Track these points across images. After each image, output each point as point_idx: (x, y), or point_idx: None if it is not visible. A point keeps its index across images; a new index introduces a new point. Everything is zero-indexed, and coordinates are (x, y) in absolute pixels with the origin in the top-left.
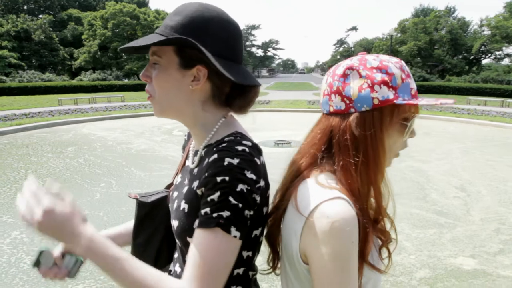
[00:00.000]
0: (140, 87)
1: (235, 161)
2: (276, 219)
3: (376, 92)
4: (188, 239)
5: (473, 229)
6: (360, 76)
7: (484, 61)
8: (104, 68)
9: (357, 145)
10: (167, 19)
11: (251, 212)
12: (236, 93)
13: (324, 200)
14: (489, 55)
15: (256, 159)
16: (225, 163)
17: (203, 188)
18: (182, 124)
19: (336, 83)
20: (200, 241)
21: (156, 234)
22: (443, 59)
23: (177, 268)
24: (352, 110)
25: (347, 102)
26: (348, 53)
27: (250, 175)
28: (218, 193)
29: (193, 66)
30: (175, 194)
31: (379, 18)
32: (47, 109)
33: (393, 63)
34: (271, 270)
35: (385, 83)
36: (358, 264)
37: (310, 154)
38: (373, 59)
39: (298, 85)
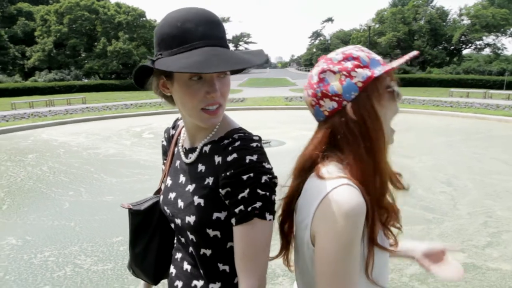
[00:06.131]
0: (102, 87)
1: (254, 157)
2: (287, 212)
3: (355, 77)
4: (208, 230)
5: (460, 223)
6: (335, 73)
7: (465, 52)
8: (61, 68)
9: (361, 129)
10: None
11: (275, 195)
12: None
13: (335, 187)
14: (470, 45)
15: (264, 150)
16: (247, 161)
17: (228, 188)
18: (151, 126)
19: (319, 90)
20: (244, 235)
21: (153, 240)
22: (423, 50)
23: (186, 266)
24: (345, 102)
25: (337, 98)
26: (324, 46)
27: (267, 165)
28: (247, 190)
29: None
30: (173, 194)
31: (356, 8)
32: None
33: (353, 49)
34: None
35: (357, 66)
36: (368, 247)
37: (314, 155)
38: (336, 55)
39: (273, 81)
